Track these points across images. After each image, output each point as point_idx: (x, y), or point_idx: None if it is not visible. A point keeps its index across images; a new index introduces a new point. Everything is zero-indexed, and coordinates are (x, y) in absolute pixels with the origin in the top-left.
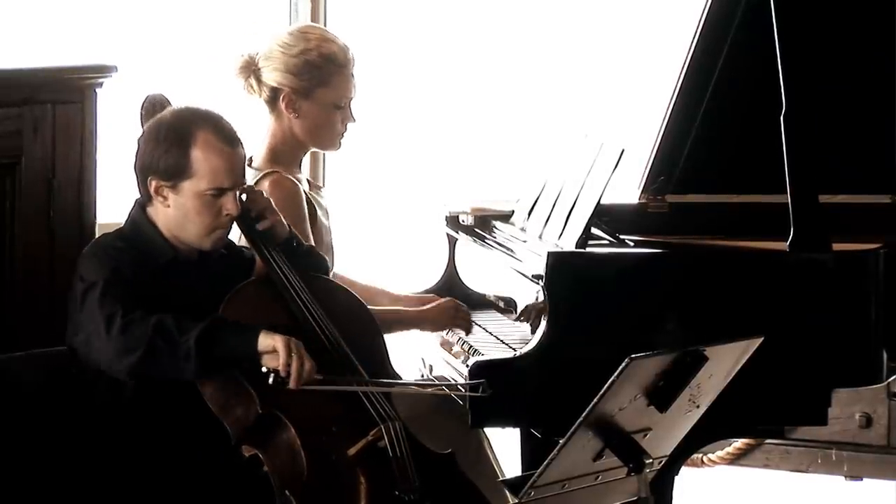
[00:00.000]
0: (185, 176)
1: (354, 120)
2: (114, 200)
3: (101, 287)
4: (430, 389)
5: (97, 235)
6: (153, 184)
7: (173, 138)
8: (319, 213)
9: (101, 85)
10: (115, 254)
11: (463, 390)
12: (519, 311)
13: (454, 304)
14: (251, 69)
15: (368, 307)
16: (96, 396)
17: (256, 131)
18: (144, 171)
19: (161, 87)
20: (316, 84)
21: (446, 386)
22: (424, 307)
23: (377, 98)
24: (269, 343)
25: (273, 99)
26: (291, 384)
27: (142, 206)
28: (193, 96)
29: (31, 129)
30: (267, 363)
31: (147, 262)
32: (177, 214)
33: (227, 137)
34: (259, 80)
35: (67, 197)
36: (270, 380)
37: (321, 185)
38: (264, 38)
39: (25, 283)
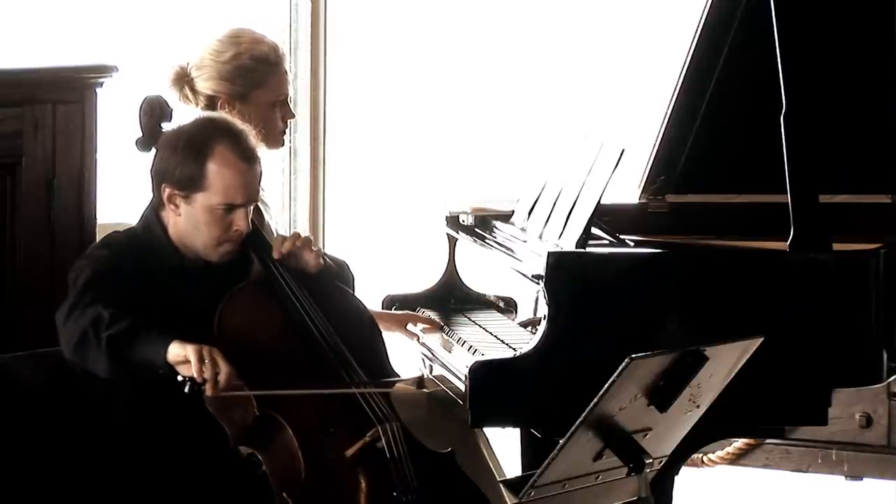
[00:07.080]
0: (199, 188)
1: (293, 116)
2: (114, 200)
3: (83, 277)
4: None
5: (97, 235)
6: (167, 191)
7: (191, 149)
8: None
9: (101, 85)
10: (119, 250)
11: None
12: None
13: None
14: (184, 80)
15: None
16: (94, 396)
17: None
18: (159, 176)
19: (161, 87)
20: (251, 87)
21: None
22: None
23: (377, 98)
24: (181, 353)
25: (210, 107)
26: (208, 391)
27: (155, 207)
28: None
29: (31, 129)
30: (183, 372)
31: (152, 265)
32: (186, 224)
33: (244, 153)
34: (194, 90)
35: (67, 197)
36: (186, 388)
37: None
38: (195, 48)
39: (26, 283)
